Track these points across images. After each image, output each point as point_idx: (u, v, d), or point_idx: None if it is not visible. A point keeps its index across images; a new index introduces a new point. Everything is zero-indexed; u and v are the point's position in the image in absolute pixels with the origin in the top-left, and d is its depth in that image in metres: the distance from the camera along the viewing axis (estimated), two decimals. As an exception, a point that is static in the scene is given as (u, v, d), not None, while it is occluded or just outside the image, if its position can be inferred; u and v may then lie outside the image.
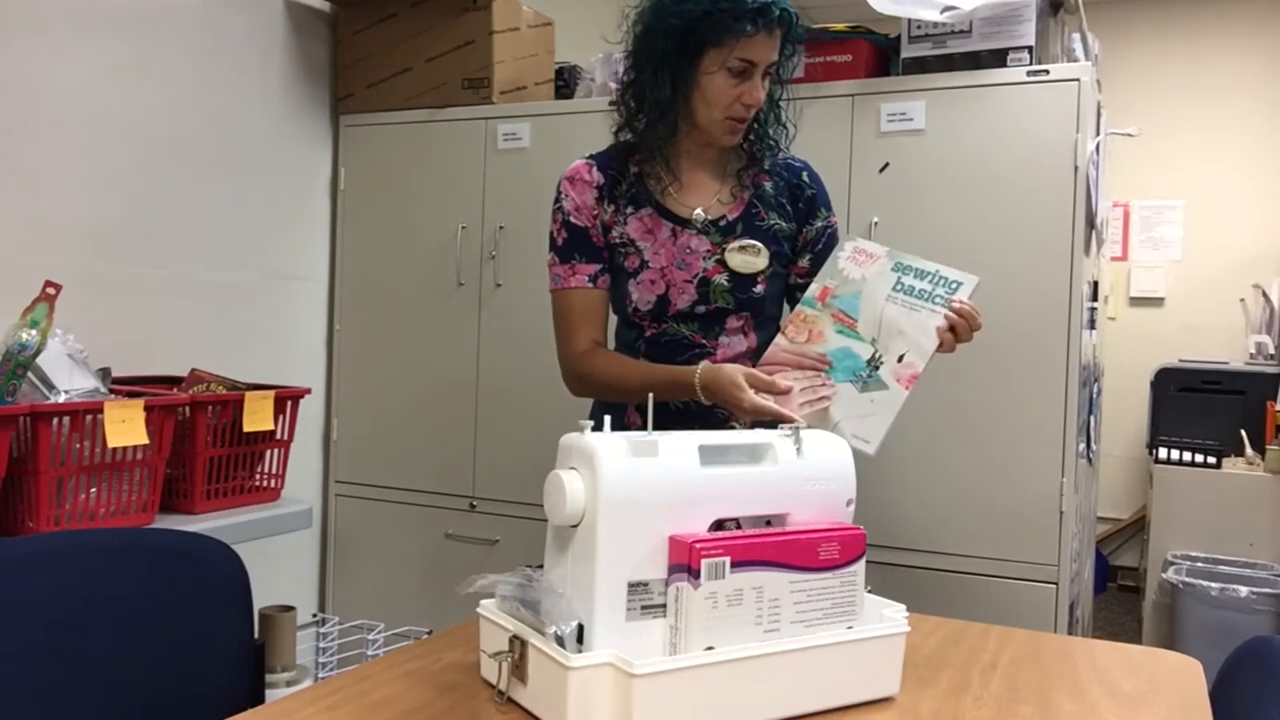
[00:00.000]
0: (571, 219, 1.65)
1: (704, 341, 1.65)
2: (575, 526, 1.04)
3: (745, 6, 1.50)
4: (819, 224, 1.69)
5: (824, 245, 1.68)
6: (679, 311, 1.64)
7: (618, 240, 1.66)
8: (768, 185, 1.68)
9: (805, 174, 1.71)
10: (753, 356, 1.66)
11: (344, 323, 2.85)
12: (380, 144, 2.77)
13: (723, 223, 1.65)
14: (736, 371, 1.45)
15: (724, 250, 1.63)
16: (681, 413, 1.62)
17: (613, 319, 1.72)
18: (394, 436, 2.77)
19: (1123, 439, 4.74)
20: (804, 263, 1.69)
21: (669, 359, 1.65)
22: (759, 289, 1.64)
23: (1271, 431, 3.75)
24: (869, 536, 1.14)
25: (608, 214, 1.66)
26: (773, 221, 1.67)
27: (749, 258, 1.63)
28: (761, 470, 1.13)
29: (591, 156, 1.68)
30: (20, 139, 2.06)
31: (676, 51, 1.55)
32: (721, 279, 1.63)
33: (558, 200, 1.67)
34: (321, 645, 2.49)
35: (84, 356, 1.84)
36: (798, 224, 1.69)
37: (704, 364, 1.52)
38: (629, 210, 1.65)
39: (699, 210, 1.64)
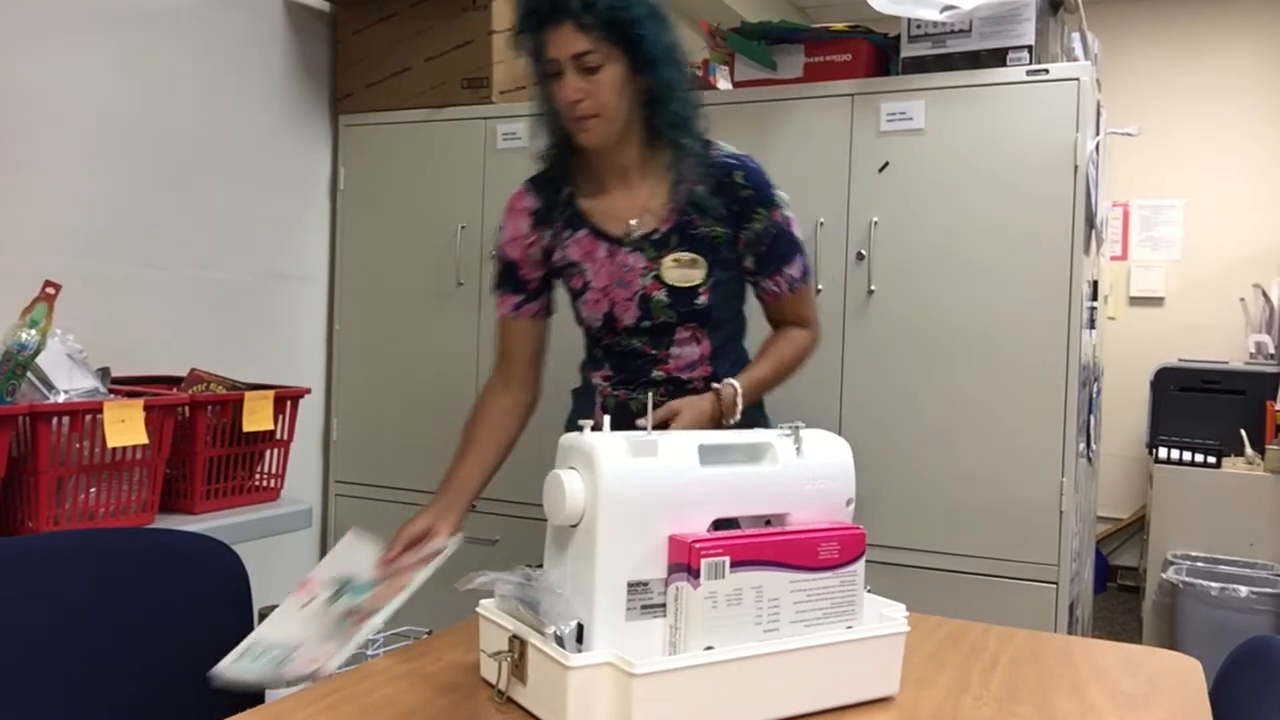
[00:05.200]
0: (504, 250, 1.68)
1: (654, 352, 1.64)
2: (575, 526, 1.04)
3: (524, 18, 1.52)
4: (757, 226, 1.60)
5: (767, 246, 1.62)
6: (626, 327, 1.63)
7: (561, 263, 1.65)
8: (702, 190, 1.59)
9: (739, 172, 1.59)
10: (709, 361, 1.64)
11: (344, 323, 2.85)
12: (380, 144, 2.77)
13: (656, 236, 1.60)
14: (413, 530, 1.47)
15: (660, 265, 1.59)
16: (642, 414, 1.62)
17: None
18: (394, 436, 2.77)
19: (1123, 439, 4.74)
20: (749, 263, 1.63)
21: (627, 366, 1.66)
22: (701, 300, 1.60)
23: (1271, 431, 3.74)
24: (869, 536, 1.14)
25: (547, 239, 1.66)
26: (707, 228, 1.60)
27: (685, 271, 1.59)
28: (761, 470, 1.13)
29: (531, 180, 1.68)
30: (20, 139, 2.06)
31: (538, 72, 1.57)
32: (661, 295, 1.59)
33: (498, 233, 1.70)
34: (321, 645, 2.48)
35: (83, 356, 1.84)
36: (733, 228, 1.60)
37: (439, 505, 1.53)
38: (567, 234, 1.64)
39: (633, 222, 1.61)
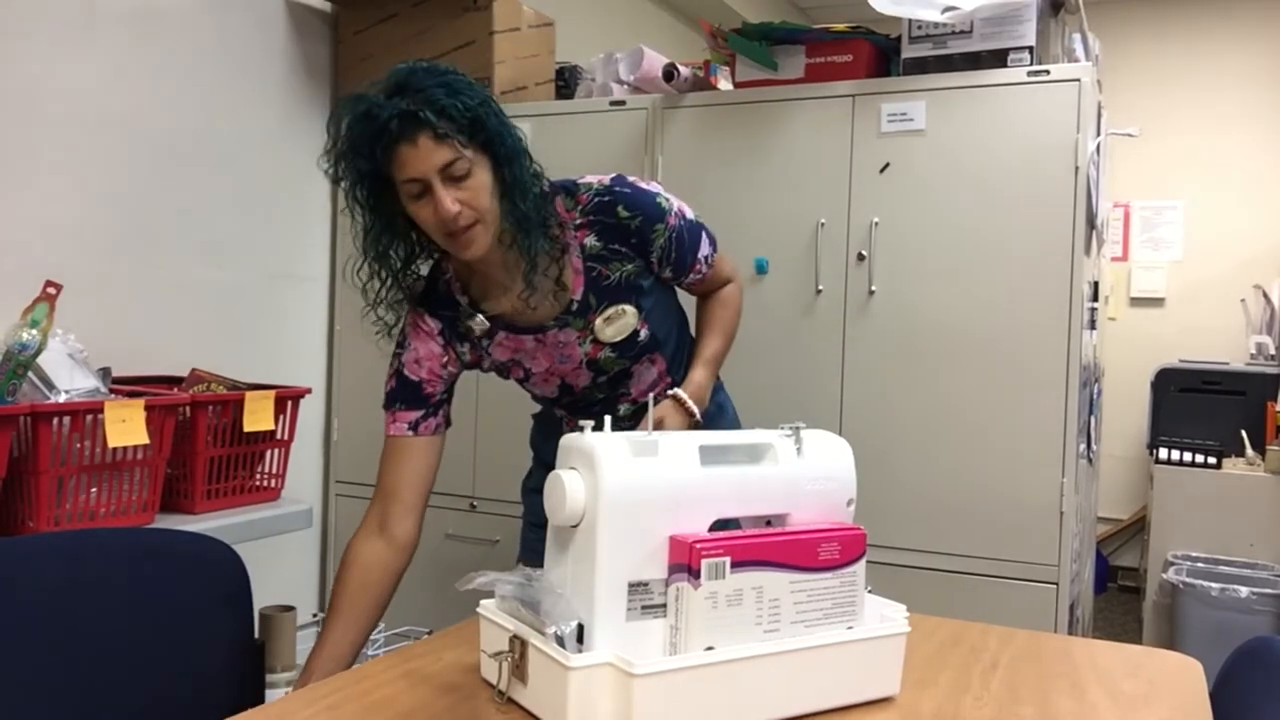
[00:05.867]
0: (405, 370, 1.55)
1: (618, 390, 1.65)
2: (575, 526, 1.04)
3: (364, 139, 1.36)
4: (660, 241, 1.53)
5: (675, 253, 1.56)
6: (584, 388, 1.63)
7: (493, 366, 1.60)
8: (590, 240, 1.51)
9: (618, 205, 1.50)
10: (667, 373, 1.66)
11: (344, 323, 2.84)
12: (381, 144, 2.77)
13: (574, 307, 1.53)
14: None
15: (592, 330, 1.55)
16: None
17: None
18: (394, 436, 2.77)
19: (1123, 439, 4.74)
20: (667, 273, 1.60)
21: (589, 408, 1.65)
22: (643, 335, 1.57)
23: (1272, 432, 3.74)
24: (869, 536, 1.14)
25: (467, 354, 1.57)
26: (617, 272, 1.53)
27: (619, 324, 1.54)
28: (761, 470, 1.13)
29: (416, 301, 1.56)
30: (20, 139, 2.06)
31: (371, 194, 1.43)
32: (606, 353, 1.57)
33: (398, 348, 1.57)
34: (322, 645, 2.48)
35: (84, 356, 1.84)
36: (643, 257, 1.54)
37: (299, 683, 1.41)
38: (485, 342, 1.56)
39: (479, 318, 1.52)
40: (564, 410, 1.70)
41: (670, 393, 1.56)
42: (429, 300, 1.56)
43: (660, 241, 1.54)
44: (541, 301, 1.51)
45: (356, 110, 1.38)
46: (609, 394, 1.64)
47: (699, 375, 1.60)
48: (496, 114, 1.41)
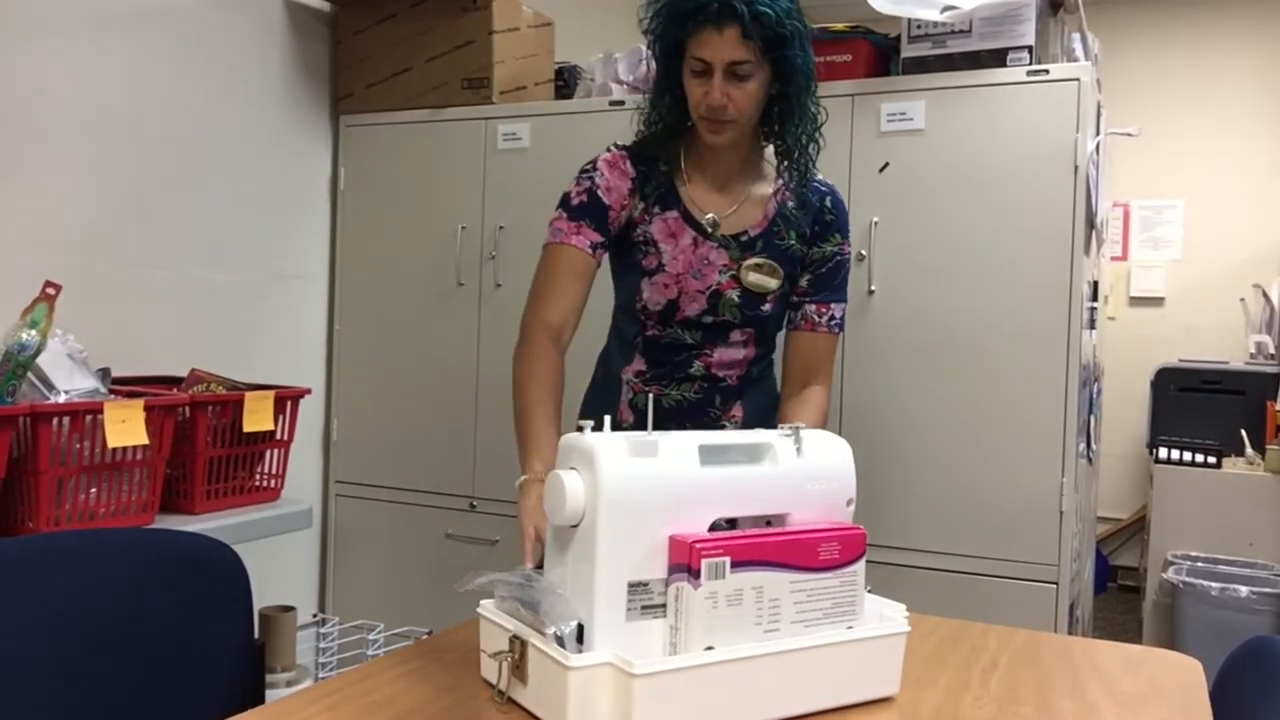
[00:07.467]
0: (598, 192, 1.62)
1: (704, 348, 1.66)
2: (575, 526, 1.04)
3: (684, 6, 1.50)
4: (828, 248, 1.68)
5: (827, 270, 1.68)
6: (686, 318, 1.64)
7: (640, 238, 1.65)
8: (791, 205, 1.66)
9: (829, 199, 1.69)
10: (748, 364, 1.68)
11: (344, 323, 2.85)
12: (380, 144, 2.77)
13: (744, 238, 1.64)
14: (534, 513, 1.30)
15: (740, 266, 1.63)
16: (673, 411, 1.66)
17: (598, 310, 1.69)
18: (394, 436, 2.77)
19: (1123, 439, 4.74)
20: (803, 283, 1.68)
21: (666, 358, 1.67)
22: (767, 308, 1.65)
23: (1271, 431, 3.74)
24: (869, 536, 1.14)
25: (638, 209, 1.65)
26: (791, 242, 1.66)
27: (763, 277, 1.63)
28: (761, 470, 1.13)
29: (624, 148, 1.66)
30: (20, 139, 2.06)
31: (664, 53, 1.59)
32: (733, 294, 1.63)
33: (589, 172, 1.64)
34: (321, 645, 2.49)
35: (84, 357, 1.84)
36: (807, 246, 1.67)
37: (535, 476, 1.36)
38: (656, 210, 1.65)
39: (711, 215, 1.64)
40: (650, 338, 1.67)
41: None
42: (634, 152, 1.66)
43: (826, 249, 1.68)
44: (735, 211, 1.64)
45: None
46: (697, 343, 1.66)
47: None
48: (801, 39, 1.54)
